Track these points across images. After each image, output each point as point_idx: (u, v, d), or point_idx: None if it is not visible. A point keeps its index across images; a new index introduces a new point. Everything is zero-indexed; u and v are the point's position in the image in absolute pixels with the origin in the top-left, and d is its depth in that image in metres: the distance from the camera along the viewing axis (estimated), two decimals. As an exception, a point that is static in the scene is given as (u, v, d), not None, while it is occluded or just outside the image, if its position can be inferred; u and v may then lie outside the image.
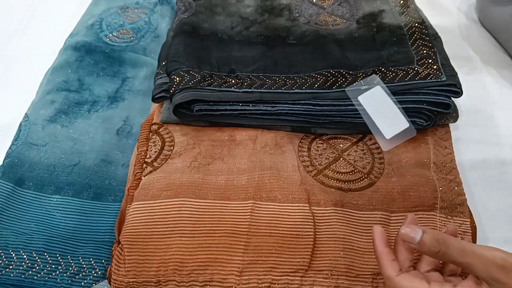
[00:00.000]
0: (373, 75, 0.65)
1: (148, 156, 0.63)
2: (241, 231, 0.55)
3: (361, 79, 0.65)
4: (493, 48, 0.85)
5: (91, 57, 0.78)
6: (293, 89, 0.64)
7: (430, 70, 0.64)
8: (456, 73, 0.65)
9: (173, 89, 0.64)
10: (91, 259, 0.57)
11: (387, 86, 0.63)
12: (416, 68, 0.65)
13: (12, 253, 0.56)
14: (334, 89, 0.64)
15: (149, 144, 0.65)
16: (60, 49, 0.81)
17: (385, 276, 0.45)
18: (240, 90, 0.64)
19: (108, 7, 0.88)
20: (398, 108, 0.62)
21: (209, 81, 0.64)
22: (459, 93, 0.63)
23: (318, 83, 0.65)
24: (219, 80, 0.65)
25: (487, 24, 0.88)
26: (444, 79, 0.63)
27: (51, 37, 0.86)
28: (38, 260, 0.56)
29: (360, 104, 0.63)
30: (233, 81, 0.65)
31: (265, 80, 0.66)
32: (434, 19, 0.89)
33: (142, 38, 0.84)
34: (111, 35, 0.83)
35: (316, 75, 0.66)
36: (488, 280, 0.40)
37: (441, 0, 0.94)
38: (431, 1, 0.94)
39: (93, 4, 0.88)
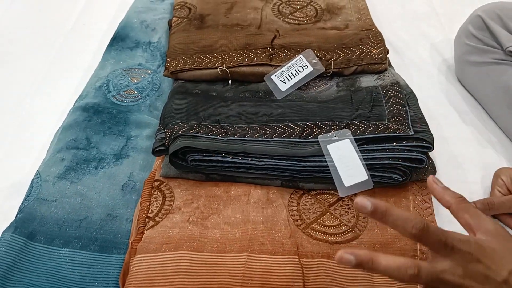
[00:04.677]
0: (345, 129, 0.71)
1: (150, 211, 0.69)
2: (235, 282, 0.60)
3: (334, 131, 0.71)
4: (470, 107, 0.92)
5: (98, 117, 0.85)
6: (273, 138, 0.70)
7: (399, 126, 0.70)
8: (429, 129, 0.71)
9: (166, 141, 0.70)
10: (97, 309, 0.61)
11: (358, 137, 0.70)
12: (386, 124, 0.71)
13: (24, 305, 0.60)
14: (310, 139, 0.71)
15: (151, 199, 0.70)
16: (70, 109, 0.87)
17: None
18: (225, 139, 0.70)
19: (114, 70, 0.96)
20: (362, 162, 0.68)
21: (197, 129, 0.72)
22: (430, 148, 0.69)
23: (295, 133, 0.71)
24: (206, 129, 0.72)
25: (465, 82, 0.95)
26: (411, 133, 0.69)
27: (61, 99, 0.93)
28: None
29: (328, 153, 0.69)
30: (218, 130, 0.72)
31: (247, 130, 0.72)
32: (415, 79, 0.96)
33: (147, 97, 0.91)
34: (118, 95, 0.90)
35: (294, 126, 0.73)
36: None
37: (422, 62, 1.02)
38: (413, 62, 1.01)
39: (99, 68, 0.96)
